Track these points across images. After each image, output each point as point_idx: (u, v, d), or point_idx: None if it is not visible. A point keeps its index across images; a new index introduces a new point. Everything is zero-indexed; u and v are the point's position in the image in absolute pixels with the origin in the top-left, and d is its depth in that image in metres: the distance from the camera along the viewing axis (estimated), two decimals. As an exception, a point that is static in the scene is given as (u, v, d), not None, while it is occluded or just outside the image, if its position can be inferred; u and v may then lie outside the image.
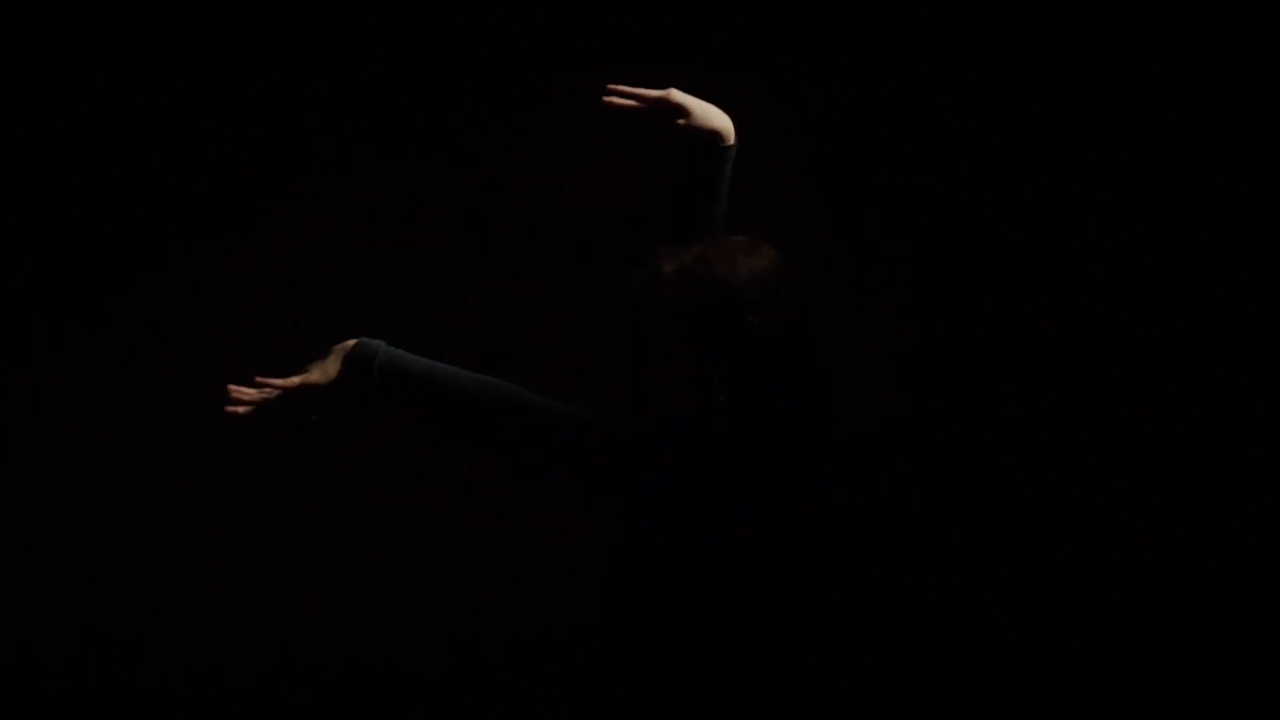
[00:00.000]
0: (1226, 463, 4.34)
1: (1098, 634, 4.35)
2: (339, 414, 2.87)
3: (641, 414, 2.87)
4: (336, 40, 4.51)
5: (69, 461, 4.49)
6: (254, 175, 4.52)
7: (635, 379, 2.89)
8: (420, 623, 4.47)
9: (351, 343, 2.86)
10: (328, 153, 4.52)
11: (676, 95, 3.02)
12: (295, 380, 2.85)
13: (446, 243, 4.49)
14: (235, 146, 4.51)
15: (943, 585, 4.38)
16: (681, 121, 3.01)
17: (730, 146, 3.03)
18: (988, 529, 4.39)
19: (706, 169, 3.02)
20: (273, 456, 4.49)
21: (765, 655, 2.80)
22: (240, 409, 2.85)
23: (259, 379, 2.84)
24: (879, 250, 4.44)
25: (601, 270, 4.39)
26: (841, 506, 4.29)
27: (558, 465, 2.79)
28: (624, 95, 3.00)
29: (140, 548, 4.48)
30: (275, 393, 2.85)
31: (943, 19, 4.41)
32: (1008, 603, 4.37)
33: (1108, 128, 4.39)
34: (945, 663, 4.38)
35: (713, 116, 3.04)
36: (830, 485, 2.91)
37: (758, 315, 2.79)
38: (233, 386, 2.85)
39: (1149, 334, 4.38)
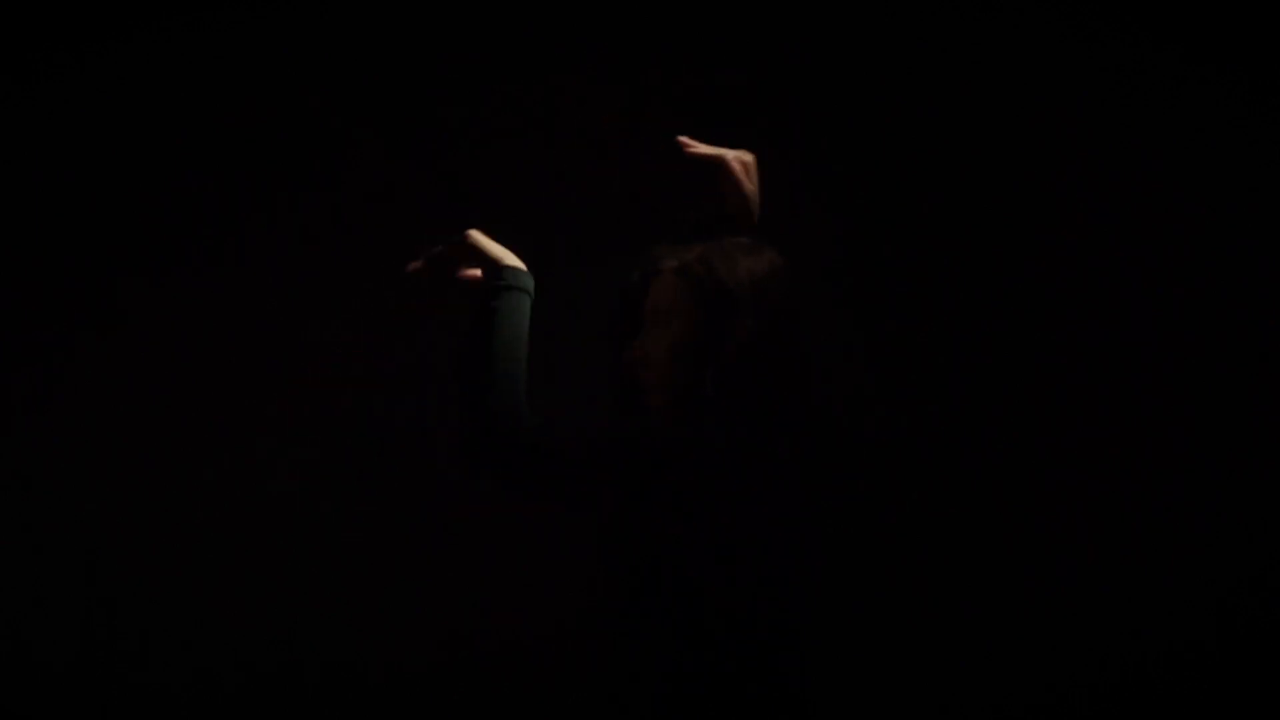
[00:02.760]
0: (1227, 463, 4.34)
1: (1098, 634, 4.36)
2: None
3: (632, 411, 2.88)
4: (337, 40, 4.51)
5: (70, 461, 4.49)
6: (253, 175, 4.52)
7: (628, 374, 2.90)
8: (420, 623, 4.47)
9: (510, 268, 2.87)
10: (327, 153, 4.52)
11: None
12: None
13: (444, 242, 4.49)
14: (233, 146, 4.52)
15: (942, 586, 4.39)
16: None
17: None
18: (989, 530, 4.39)
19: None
20: (274, 458, 4.50)
21: (764, 657, 2.80)
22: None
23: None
24: (879, 249, 4.45)
25: (597, 269, 4.39)
26: (838, 509, 4.29)
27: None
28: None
29: (141, 548, 4.49)
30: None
31: (944, 18, 4.41)
32: (1008, 603, 4.38)
33: (1109, 128, 4.39)
34: (946, 663, 4.38)
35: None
36: (826, 487, 2.91)
37: (753, 317, 2.79)
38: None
39: (1151, 334, 4.38)
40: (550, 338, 4.48)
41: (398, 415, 4.48)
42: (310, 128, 4.52)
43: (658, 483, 2.75)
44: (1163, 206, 4.38)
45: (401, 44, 4.52)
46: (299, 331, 4.52)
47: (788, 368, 2.82)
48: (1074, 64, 4.39)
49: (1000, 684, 4.37)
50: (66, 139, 4.51)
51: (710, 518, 2.75)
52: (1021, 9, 4.39)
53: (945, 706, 4.37)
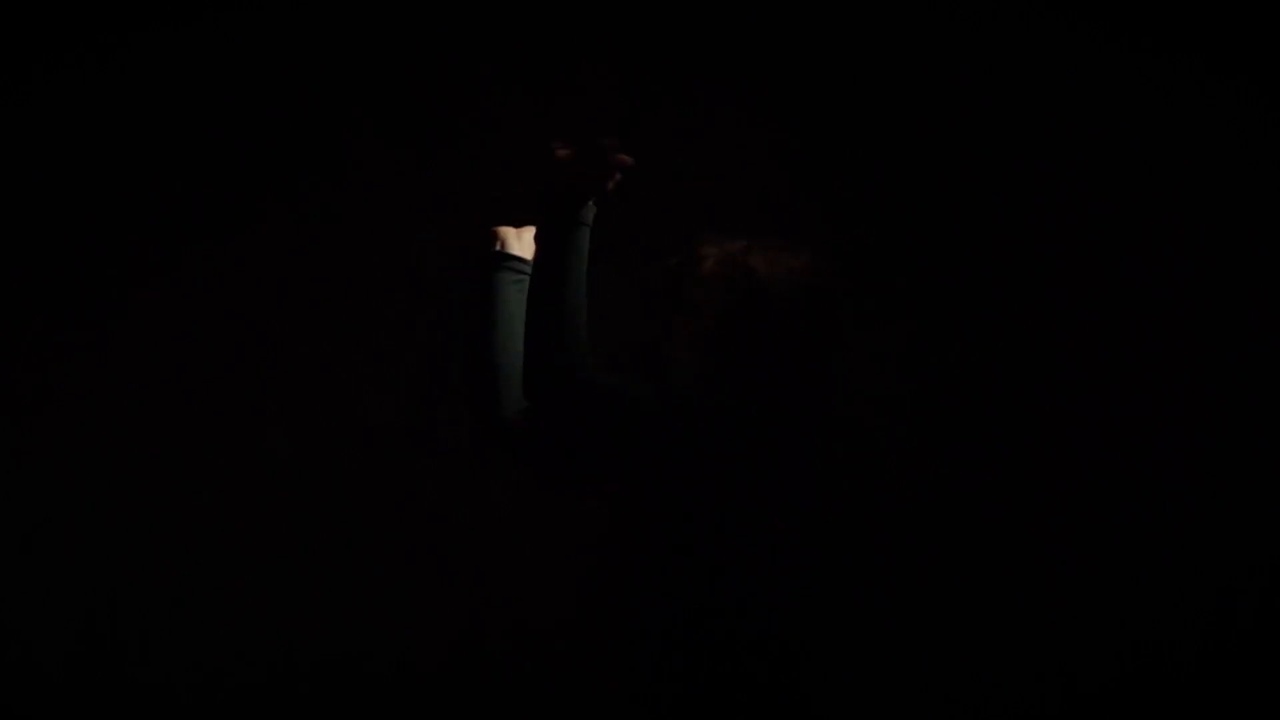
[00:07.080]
0: (1228, 463, 4.35)
1: (1099, 636, 4.36)
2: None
3: (653, 387, 2.89)
4: (337, 40, 4.51)
5: (71, 460, 4.49)
6: (253, 175, 4.52)
7: (656, 354, 2.92)
8: (421, 623, 4.47)
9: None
10: (327, 151, 4.53)
11: None
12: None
13: (447, 241, 4.50)
14: (234, 146, 4.52)
15: (947, 585, 4.39)
16: None
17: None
18: (993, 529, 4.40)
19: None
20: (276, 456, 4.50)
21: (768, 651, 2.80)
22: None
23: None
24: (877, 250, 4.45)
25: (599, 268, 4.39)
26: (846, 505, 4.30)
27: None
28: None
29: (142, 547, 4.48)
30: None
31: (944, 18, 4.42)
32: (1010, 603, 4.38)
33: (1109, 128, 4.40)
34: (946, 663, 4.38)
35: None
36: (834, 484, 2.91)
37: (784, 315, 2.82)
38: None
39: (1150, 334, 4.39)
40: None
41: (399, 413, 4.48)
42: (310, 126, 4.52)
43: (669, 460, 2.78)
44: (1163, 206, 4.39)
45: (401, 44, 4.52)
46: (300, 330, 4.52)
47: (810, 368, 2.85)
48: (1074, 64, 4.39)
49: (1000, 684, 4.38)
50: (66, 139, 4.51)
51: (719, 506, 2.77)
52: (1021, 9, 4.39)
53: (945, 706, 4.38)
